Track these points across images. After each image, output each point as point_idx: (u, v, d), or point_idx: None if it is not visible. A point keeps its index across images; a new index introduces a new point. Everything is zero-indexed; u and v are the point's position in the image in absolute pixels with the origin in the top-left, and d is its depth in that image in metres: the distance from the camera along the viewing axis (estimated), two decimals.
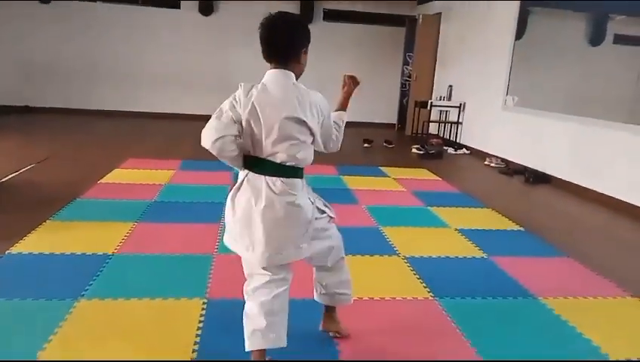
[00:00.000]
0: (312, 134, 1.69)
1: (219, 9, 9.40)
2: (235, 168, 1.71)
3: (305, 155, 1.69)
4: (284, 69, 1.69)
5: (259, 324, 1.71)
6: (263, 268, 1.73)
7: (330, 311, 2.05)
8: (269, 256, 1.68)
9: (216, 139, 1.60)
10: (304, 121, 1.64)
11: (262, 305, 1.72)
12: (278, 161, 1.65)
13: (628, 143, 4.48)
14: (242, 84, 1.68)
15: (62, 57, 9.10)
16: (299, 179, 1.70)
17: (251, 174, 1.67)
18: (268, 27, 1.69)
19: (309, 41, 1.73)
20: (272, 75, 1.69)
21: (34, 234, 3.10)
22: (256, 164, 1.66)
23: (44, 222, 3.33)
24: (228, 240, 1.78)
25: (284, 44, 1.68)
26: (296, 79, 1.71)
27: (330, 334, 2.07)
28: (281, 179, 1.65)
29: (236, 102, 1.65)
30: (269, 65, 1.73)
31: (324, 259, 1.88)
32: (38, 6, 8.78)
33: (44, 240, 3.01)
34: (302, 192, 1.70)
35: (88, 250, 2.89)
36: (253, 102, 1.62)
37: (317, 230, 1.79)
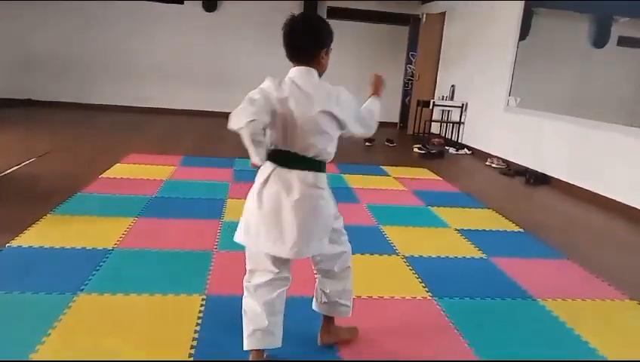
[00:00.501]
0: (342, 127, 1.73)
1: (222, 6, 9.40)
2: (258, 161, 1.61)
3: (333, 149, 1.74)
4: (306, 66, 1.71)
5: (260, 324, 1.72)
6: (271, 265, 1.73)
7: (328, 322, 1.99)
8: (298, 249, 1.68)
9: (250, 121, 1.52)
10: (335, 116, 1.67)
11: (265, 305, 1.73)
12: (310, 155, 1.67)
13: (629, 146, 4.47)
14: (270, 77, 1.70)
15: (65, 51, 9.11)
16: (324, 174, 1.73)
17: (280, 168, 1.68)
18: (289, 28, 1.71)
19: (330, 41, 1.75)
20: (297, 72, 1.71)
21: (34, 228, 3.10)
22: (287, 157, 1.68)
23: (45, 215, 3.34)
24: (242, 236, 1.75)
25: (303, 45, 1.71)
26: (319, 77, 1.73)
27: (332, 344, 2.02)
28: (312, 173, 1.68)
29: (267, 93, 1.64)
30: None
31: (334, 263, 1.87)
32: (41, 1, 8.78)
33: (44, 234, 3.02)
34: (327, 186, 1.75)
35: (88, 244, 2.89)
36: (286, 96, 1.64)
37: (334, 231, 1.82)
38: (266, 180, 1.70)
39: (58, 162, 4.95)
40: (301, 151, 1.67)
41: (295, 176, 1.67)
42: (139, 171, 4.77)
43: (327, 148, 1.70)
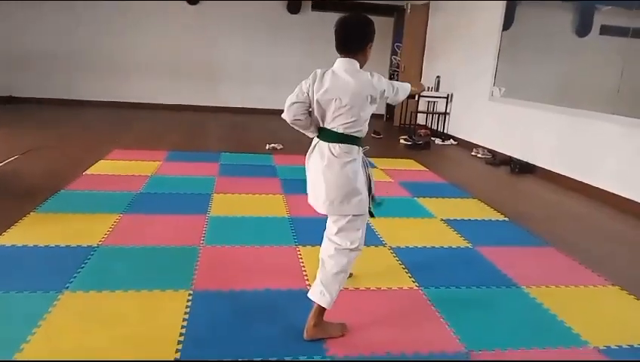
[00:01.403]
0: (380, 97, 2.05)
1: None
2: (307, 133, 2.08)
3: (361, 128, 2.03)
4: (351, 58, 2.00)
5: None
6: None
7: (318, 315, 2.02)
8: (328, 204, 2.02)
9: (292, 103, 1.98)
10: (370, 96, 1.98)
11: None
12: (340, 131, 1.99)
13: (612, 134, 4.53)
14: (317, 70, 2.01)
15: (46, 47, 8.97)
16: (354, 146, 2.03)
17: (320, 141, 2.03)
18: (341, 25, 2.01)
19: (374, 37, 2.05)
20: (340, 63, 2.01)
21: (18, 226, 3.07)
22: (323, 133, 2.03)
23: (29, 213, 3.30)
24: (309, 193, 2.13)
25: (353, 39, 2.01)
26: (361, 67, 2.02)
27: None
28: (340, 144, 2.00)
29: (312, 83, 1.98)
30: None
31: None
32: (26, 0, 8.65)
33: (28, 232, 2.99)
34: (358, 156, 2.06)
35: (73, 241, 2.87)
36: (325, 85, 1.95)
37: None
38: (312, 151, 2.08)
39: (41, 159, 4.88)
40: (333, 128, 1.99)
41: (326, 147, 2.00)
42: (123, 167, 4.72)
43: (354, 126, 1.99)
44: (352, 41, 2.01)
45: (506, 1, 6.25)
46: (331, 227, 2.07)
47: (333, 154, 1.99)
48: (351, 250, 2.03)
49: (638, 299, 2.58)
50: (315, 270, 2.37)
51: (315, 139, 2.07)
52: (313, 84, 1.97)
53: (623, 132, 4.40)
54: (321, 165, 2.01)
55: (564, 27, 5.36)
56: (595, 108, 4.73)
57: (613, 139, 4.52)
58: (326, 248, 2.06)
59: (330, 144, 2.00)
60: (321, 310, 2.01)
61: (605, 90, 4.65)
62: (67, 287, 2.33)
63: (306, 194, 2.14)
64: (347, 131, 1.99)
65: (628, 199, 4.29)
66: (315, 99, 1.97)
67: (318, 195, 2.05)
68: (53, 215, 3.35)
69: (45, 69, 9.05)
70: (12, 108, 8.38)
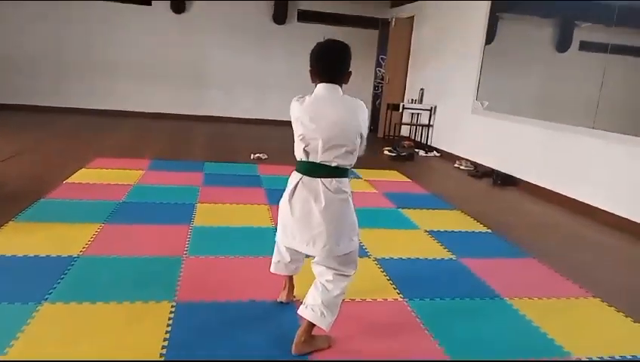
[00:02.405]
0: (362, 137, 1.93)
1: (192, 6, 9.30)
2: None
3: (355, 158, 1.94)
4: (335, 84, 1.93)
5: (285, 259, 2.18)
6: (298, 254, 2.09)
7: (307, 330, 1.99)
8: (329, 248, 1.89)
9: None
10: (356, 127, 1.89)
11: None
12: (333, 165, 1.87)
13: (592, 148, 4.62)
14: (295, 100, 1.93)
15: (28, 53, 8.85)
16: (347, 179, 1.95)
17: (306, 177, 1.89)
18: (326, 51, 1.96)
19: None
20: (323, 89, 1.92)
21: None
22: (312, 168, 1.88)
23: (7, 223, 3.23)
24: (283, 239, 2.04)
25: (339, 65, 1.95)
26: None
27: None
28: (335, 179, 1.89)
29: (298, 117, 1.88)
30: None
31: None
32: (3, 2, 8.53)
33: (6, 242, 2.93)
34: (349, 188, 1.96)
35: (53, 251, 2.82)
36: (311, 116, 1.86)
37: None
38: (294, 189, 1.91)
39: (21, 167, 4.80)
40: (325, 162, 1.87)
41: (320, 183, 1.87)
42: (106, 176, 4.66)
43: (348, 157, 1.89)
44: (339, 68, 1.95)
45: (488, 16, 6.36)
46: (328, 260, 1.94)
47: (330, 191, 1.87)
48: (350, 275, 2.02)
49: (617, 311, 2.62)
50: (299, 281, 2.36)
51: (297, 176, 1.91)
52: (294, 114, 1.89)
53: (602, 145, 4.49)
54: (318, 206, 1.86)
55: (545, 42, 5.48)
56: (575, 122, 4.83)
57: (593, 152, 4.61)
58: (322, 273, 1.97)
59: (324, 180, 1.87)
60: (312, 327, 1.97)
61: (585, 105, 4.75)
62: (47, 298, 2.28)
63: None
64: (342, 164, 1.88)
65: (607, 212, 4.37)
66: (299, 130, 1.86)
67: (313, 240, 1.89)
68: (33, 224, 3.28)
69: (27, 75, 8.92)
70: None
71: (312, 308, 1.93)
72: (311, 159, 1.88)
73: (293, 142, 1.94)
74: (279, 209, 2.00)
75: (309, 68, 1.97)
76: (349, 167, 1.93)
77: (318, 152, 1.85)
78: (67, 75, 9.09)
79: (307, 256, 2.13)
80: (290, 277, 2.37)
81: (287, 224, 1.96)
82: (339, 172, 1.89)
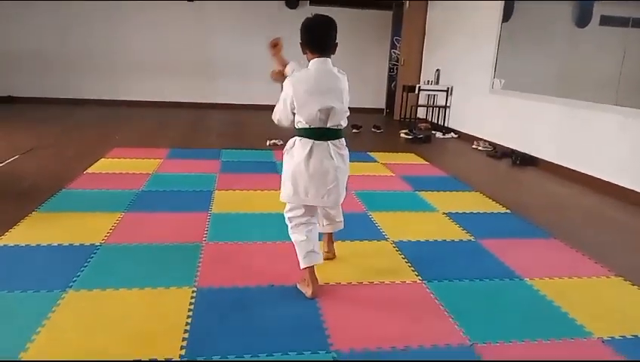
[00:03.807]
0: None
1: None
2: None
3: (346, 117, 2.29)
4: (326, 57, 2.22)
5: (310, 247, 2.30)
6: (307, 214, 2.33)
7: (329, 238, 2.72)
8: (338, 199, 2.32)
9: (277, 118, 2.32)
10: (346, 93, 2.24)
11: (308, 235, 2.31)
12: (336, 128, 2.23)
13: (614, 125, 4.52)
14: (290, 77, 2.25)
15: (45, 47, 8.96)
16: (343, 138, 2.32)
17: (317, 142, 2.20)
18: (311, 28, 2.22)
19: None
20: (319, 63, 2.22)
21: (20, 226, 3.07)
22: (321, 133, 2.20)
23: (31, 213, 3.31)
24: (297, 197, 2.27)
25: (332, 40, 2.23)
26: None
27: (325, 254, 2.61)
28: (339, 140, 2.28)
29: (289, 95, 2.19)
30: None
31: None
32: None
33: (30, 232, 2.99)
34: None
35: (76, 240, 2.87)
36: (308, 88, 2.17)
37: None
38: (310, 152, 2.20)
39: (42, 159, 4.88)
40: (330, 126, 2.21)
41: (330, 145, 2.23)
42: (124, 166, 4.72)
43: (344, 118, 2.27)
44: (327, 41, 2.22)
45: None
46: (333, 208, 2.54)
47: (338, 151, 2.24)
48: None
49: None
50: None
51: (308, 141, 2.21)
52: (292, 88, 2.18)
53: (623, 122, 4.39)
54: (331, 165, 2.22)
55: (564, 18, 5.34)
56: (596, 99, 4.72)
57: (614, 129, 4.51)
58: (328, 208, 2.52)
59: (330, 142, 2.23)
60: (331, 236, 2.71)
61: (606, 81, 4.63)
62: (71, 286, 2.33)
63: None
64: (342, 125, 2.26)
65: (629, 189, 4.28)
66: (297, 101, 2.17)
67: (328, 193, 2.25)
68: (55, 214, 3.35)
69: (44, 68, 9.04)
70: (11, 108, 8.38)
71: (335, 223, 2.64)
72: (317, 125, 2.19)
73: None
74: (291, 172, 2.24)
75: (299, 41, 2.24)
76: (343, 126, 2.29)
77: (325, 119, 2.18)
78: (83, 67, 9.18)
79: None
80: (329, 236, 2.73)
81: (300, 184, 2.23)
82: (340, 133, 2.28)
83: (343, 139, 2.31)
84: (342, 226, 2.68)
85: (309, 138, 2.21)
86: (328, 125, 2.20)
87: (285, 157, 2.31)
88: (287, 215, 2.38)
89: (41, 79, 9.08)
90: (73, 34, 9.02)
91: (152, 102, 9.42)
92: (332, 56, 2.26)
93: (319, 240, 2.40)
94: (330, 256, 2.71)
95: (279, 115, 2.28)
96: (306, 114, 2.17)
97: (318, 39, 2.21)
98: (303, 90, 2.16)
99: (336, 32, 2.23)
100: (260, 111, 9.41)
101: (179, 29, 9.33)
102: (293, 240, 2.35)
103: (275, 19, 9.46)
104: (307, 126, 2.20)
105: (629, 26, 4.40)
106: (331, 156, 2.21)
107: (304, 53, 2.26)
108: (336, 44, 2.25)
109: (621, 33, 4.51)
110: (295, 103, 2.17)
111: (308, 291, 2.31)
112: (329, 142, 2.22)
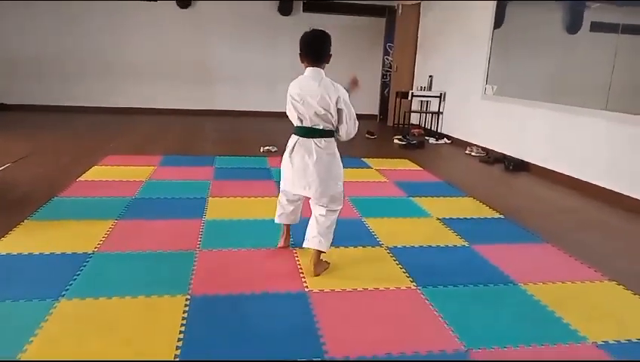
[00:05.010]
0: (342, 111, 2.51)
1: (197, 2, 9.28)
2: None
3: (334, 122, 2.52)
4: (317, 67, 2.52)
5: (280, 211, 2.88)
6: (295, 196, 2.74)
7: (317, 256, 2.66)
8: (320, 190, 2.54)
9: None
10: (332, 100, 2.46)
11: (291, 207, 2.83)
12: (320, 127, 2.50)
13: (605, 130, 4.55)
14: (292, 82, 2.56)
15: (38, 53, 8.93)
16: (332, 139, 2.57)
17: (302, 139, 2.53)
18: (308, 40, 2.53)
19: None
20: (310, 72, 2.53)
21: (12, 235, 3.04)
22: (306, 131, 2.52)
23: (22, 222, 3.28)
24: (286, 186, 2.68)
25: (324, 53, 2.54)
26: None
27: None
28: (324, 139, 2.52)
29: (290, 95, 2.54)
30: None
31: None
32: (13, 2, 8.57)
33: (22, 240, 2.97)
34: (335, 147, 2.59)
35: (68, 249, 2.85)
36: (303, 92, 2.49)
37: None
38: (292, 148, 2.56)
39: (34, 167, 4.85)
40: (315, 126, 2.50)
41: (312, 143, 2.51)
42: (117, 173, 4.70)
43: (330, 122, 2.51)
44: (321, 53, 2.52)
45: (496, 1, 6.28)
46: (321, 199, 2.57)
47: (320, 148, 2.50)
48: (337, 210, 2.65)
49: (634, 294, 2.59)
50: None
51: (295, 138, 2.56)
52: (291, 93, 2.52)
53: (614, 127, 4.43)
54: (311, 160, 2.50)
55: (555, 24, 5.39)
56: (587, 105, 4.76)
57: (606, 134, 4.54)
58: (318, 209, 2.61)
59: (315, 140, 2.51)
60: (319, 253, 2.61)
61: (597, 86, 4.67)
62: (63, 295, 2.31)
63: None
64: (326, 126, 2.51)
65: (620, 194, 4.31)
66: (295, 103, 2.51)
67: (308, 185, 2.54)
68: (48, 222, 3.32)
69: (35, 75, 9.01)
70: (4, 115, 8.33)
71: (312, 240, 2.60)
72: (304, 124, 2.51)
73: None
74: (282, 165, 2.65)
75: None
76: (332, 130, 2.54)
77: (309, 120, 2.49)
78: (75, 75, 9.16)
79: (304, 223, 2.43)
80: (288, 227, 2.96)
81: (287, 175, 2.61)
82: (326, 133, 2.52)
83: (332, 139, 2.56)
84: (321, 247, 2.61)
85: (296, 135, 2.56)
86: (312, 125, 2.50)
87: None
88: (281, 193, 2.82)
89: (34, 87, 9.04)
90: (67, 42, 8.99)
91: (148, 109, 9.41)
92: (327, 65, 2.56)
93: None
94: (319, 269, 2.65)
95: (288, 113, 2.60)
96: (294, 113, 2.54)
97: (312, 52, 2.52)
98: (295, 93, 2.51)
99: (329, 45, 2.53)
100: (253, 117, 9.43)
101: (174, 37, 9.33)
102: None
103: (269, 26, 9.50)
104: (296, 124, 2.56)
105: (619, 32, 4.45)
106: (313, 153, 2.50)
107: (302, 62, 2.56)
108: (330, 55, 2.55)
109: (611, 39, 4.55)
110: (289, 103, 2.55)
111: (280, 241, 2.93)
112: (313, 140, 2.51)
